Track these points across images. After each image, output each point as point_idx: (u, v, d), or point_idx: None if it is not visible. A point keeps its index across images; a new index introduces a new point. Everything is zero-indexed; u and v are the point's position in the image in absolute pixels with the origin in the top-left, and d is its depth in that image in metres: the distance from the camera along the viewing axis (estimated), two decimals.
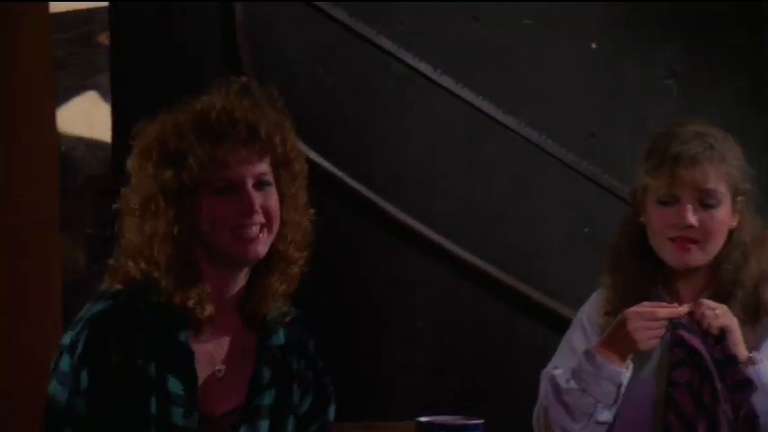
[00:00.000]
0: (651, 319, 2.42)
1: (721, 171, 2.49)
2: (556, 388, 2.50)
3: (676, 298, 2.56)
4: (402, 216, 3.68)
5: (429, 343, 3.70)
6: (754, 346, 2.48)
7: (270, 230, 2.15)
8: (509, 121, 3.81)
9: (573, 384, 2.48)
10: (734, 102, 3.94)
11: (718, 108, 3.91)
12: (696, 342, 2.38)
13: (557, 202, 3.86)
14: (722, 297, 2.50)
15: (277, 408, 2.20)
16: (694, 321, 2.41)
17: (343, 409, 3.42)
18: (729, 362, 2.38)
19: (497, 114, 3.79)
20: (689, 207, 2.48)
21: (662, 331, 2.42)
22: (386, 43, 3.71)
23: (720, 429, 2.34)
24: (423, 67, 3.74)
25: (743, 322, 2.46)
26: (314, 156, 3.44)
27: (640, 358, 2.49)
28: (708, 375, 2.37)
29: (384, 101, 3.73)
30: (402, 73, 3.74)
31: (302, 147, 3.50)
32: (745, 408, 2.36)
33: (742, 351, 2.42)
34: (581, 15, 3.88)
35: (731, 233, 2.54)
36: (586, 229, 3.85)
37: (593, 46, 3.88)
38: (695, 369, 2.38)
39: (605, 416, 2.46)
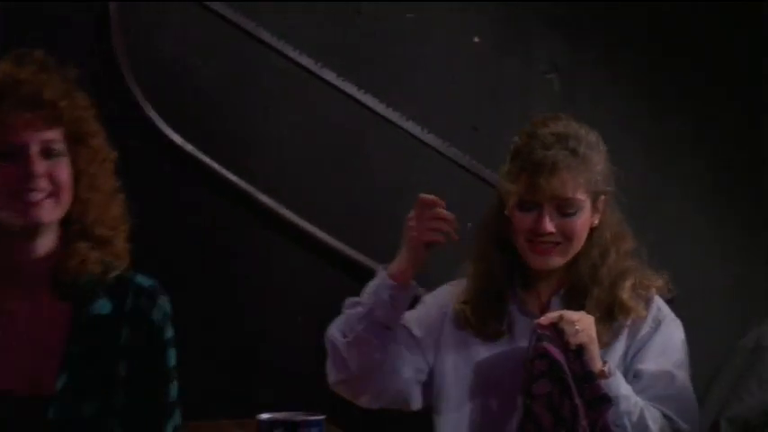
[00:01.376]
0: (431, 207, 2.42)
1: (581, 179, 2.46)
2: (346, 304, 2.54)
3: (535, 295, 2.55)
4: (282, 210, 3.65)
5: (310, 338, 3.64)
6: (606, 343, 2.47)
7: (57, 199, 2.08)
8: (391, 114, 3.78)
9: (357, 298, 2.50)
10: (615, 96, 3.95)
11: (600, 102, 3.93)
12: (559, 356, 2.36)
13: (439, 196, 3.82)
14: (579, 294, 2.50)
15: (94, 382, 2.09)
16: (557, 333, 2.38)
17: (221, 405, 3.40)
18: (588, 377, 2.36)
19: (380, 108, 3.76)
20: (547, 216, 2.45)
21: (442, 226, 2.42)
22: (266, 36, 3.67)
23: None
24: (304, 60, 3.71)
25: (598, 320, 2.44)
26: (190, 149, 3.39)
27: (502, 370, 2.47)
28: (568, 390, 2.34)
29: (264, 94, 3.69)
30: (283, 66, 3.69)
31: (178, 139, 3.54)
32: (602, 423, 2.34)
33: (597, 364, 2.39)
34: (464, 9, 3.87)
35: (592, 231, 2.53)
36: (469, 224, 3.82)
37: (476, 40, 3.87)
38: (555, 382, 2.35)
39: (374, 329, 2.46)
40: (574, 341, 2.36)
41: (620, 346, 2.51)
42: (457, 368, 2.54)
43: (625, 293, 2.50)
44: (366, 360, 2.50)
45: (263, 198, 3.65)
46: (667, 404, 2.44)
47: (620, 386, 2.39)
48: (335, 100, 3.74)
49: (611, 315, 2.49)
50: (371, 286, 2.49)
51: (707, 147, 3.95)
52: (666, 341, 2.52)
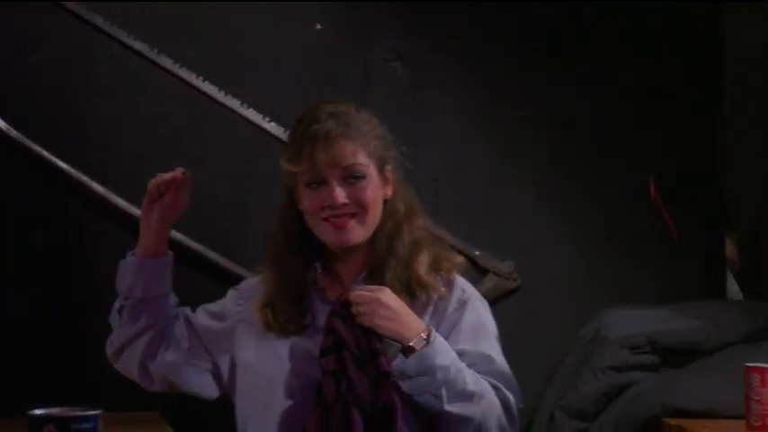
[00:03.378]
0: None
1: (359, 144, 2.46)
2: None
3: (337, 280, 2.53)
4: (114, 198, 3.58)
5: None
6: None
7: None
8: (231, 102, 3.72)
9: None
10: (460, 83, 3.94)
11: (444, 90, 3.93)
12: (344, 332, 2.36)
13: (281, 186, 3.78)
14: (379, 270, 2.48)
15: None
16: (350, 311, 2.38)
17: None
18: (373, 354, 2.35)
19: (219, 96, 3.69)
20: (335, 186, 2.44)
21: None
22: (100, 21, 3.57)
23: (352, 420, 2.32)
24: (138, 45, 3.62)
25: (399, 295, 2.43)
26: (15, 134, 3.30)
27: (305, 361, 2.46)
28: (345, 366, 2.35)
29: (98, 81, 3.60)
30: (118, 52, 3.60)
31: (2, 125, 3.44)
32: (385, 399, 2.33)
33: (405, 338, 2.37)
34: None
35: (386, 204, 2.52)
36: None
37: (318, 27, 3.82)
38: (339, 358, 2.36)
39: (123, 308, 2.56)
40: (359, 321, 2.37)
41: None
42: (260, 363, 2.51)
43: (422, 269, 2.48)
44: (123, 336, 2.60)
45: (96, 186, 3.56)
46: (492, 378, 2.44)
47: (436, 357, 2.37)
48: (173, 87, 3.67)
49: (410, 291, 2.47)
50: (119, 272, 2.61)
51: (550, 134, 3.96)
52: (476, 321, 2.51)
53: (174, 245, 3.64)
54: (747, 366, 2.71)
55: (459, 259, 2.58)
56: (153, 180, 2.56)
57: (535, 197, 3.96)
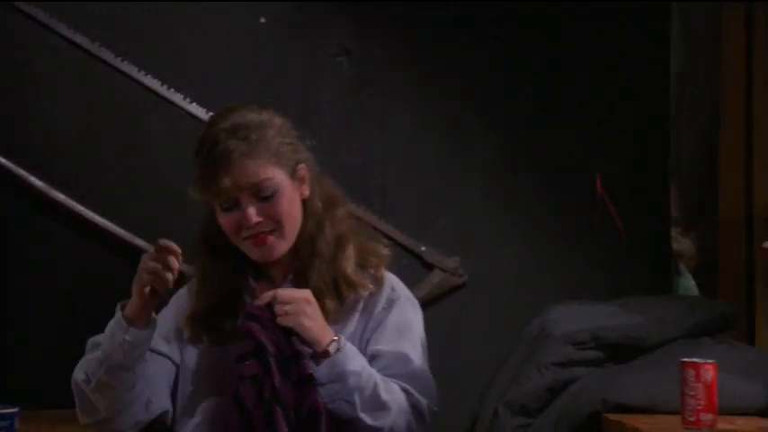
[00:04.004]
0: (167, 254, 2.32)
1: (262, 159, 2.39)
2: (89, 343, 2.42)
3: (269, 282, 2.49)
4: (53, 192, 3.54)
5: (83, 322, 3.53)
6: (337, 320, 2.43)
7: None
8: (174, 96, 3.69)
9: (98, 339, 2.39)
10: (407, 80, 3.93)
11: (391, 86, 3.91)
12: (263, 336, 2.32)
13: None
14: (305, 270, 2.45)
15: None
16: (271, 314, 2.34)
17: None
18: (296, 357, 2.32)
19: (162, 90, 3.66)
20: (248, 208, 2.39)
21: (164, 277, 2.31)
22: (38, 13, 3.53)
23: (278, 424, 2.29)
24: (79, 39, 3.58)
25: (327, 296, 2.41)
26: None
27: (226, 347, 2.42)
28: (269, 370, 2.31)
29: (36, 74, 3.56)
30: (57, 45, 3.57)
31: None
32: (309, 403, 2.31)
33: (318, 344, 2.34)
34: None
35: (305, 203, 2.48)
36: None
37: (262, 20, 3.80)
38: (261, 363, 2.32)
39: (115, 376, 2.36)
40: (281, 322, 2.33)
41: (353, 324, 2.47)
42: (197, 372, 2.48)
43: (348, 266, 2.45)
44: (113, 402, 2.40)
45: (34, 180, 3.52)
46: (405, 381, 2.41)
47: (347, 362, 2.34)
48: (115, 81, 3.63)
49: (338, 291, 2.44)
50: (109, 327, 2.38)
51: (497, 131, 3.95)
52: (401, 322, 2.47)
53: (117, 240, 3.63)
54: (683, 361, 2.71)
55: (386, 251, 2.54)
56: (171, 260, 2.33)
57: (482, 193, 3.95)
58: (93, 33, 3.63)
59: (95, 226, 3.60)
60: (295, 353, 2.31)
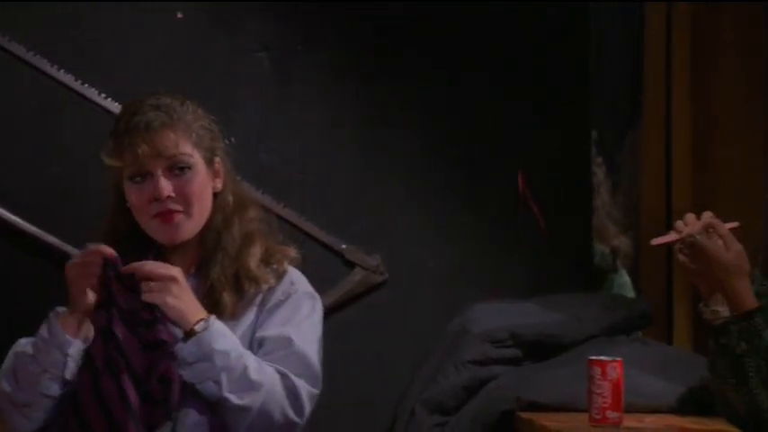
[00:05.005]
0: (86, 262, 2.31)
1: (183, 135, 2.40)
2: (14, 353, 2.36)
3: None
4: None
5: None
6: (235, 314, 2.41)
7: None
8: (87, 91, 3.64)
9: (29, 349, 2.34)
10: (327, 77, 3.89)
11: (311, 83, 3.87)
12: (115, 286, 2.29)
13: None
14: (208, 263, 2.43)
15: None
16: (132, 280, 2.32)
17: None
18: (151, 322, 2.30)
19: (75, 85, 3.62)
20: (161, 178, 2.37)
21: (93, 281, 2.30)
22: None
23: (124, 388, 2.25)
24: None
25: (226, 289, 2.40)
26: None
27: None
28: (112, 321, 2.28)
29: None
30: None
31: None
32: (161, 370, 2.28)
33: (184, 323, 2.31)
34: None
35: (216, 197, 2.47)
36: None
37: (179, 15, 3.76)
38: (108, 315, 2.29)
39: (53, 389, 2.32)
40: (146, 298, 2.31)
41: (250, 317, 2.45)
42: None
43: (252, 262, 2.44)
44: (45, 411, 2.36)
45: None
46: (284, 364, 2.38)
47: (213, 341, 2.31)
48: (26, 75, 3.58)
49: (238, 285, 2.43)
50: (43, 339, 2.33)
51: (418, 128, 3.93)
52: (292, 313, 2.45)
53: (30, 238, 3.58)
54: (590, 359, 2.71)
55: (294, 253, 2.52)
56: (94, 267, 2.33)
57: (403, 191, 3.93)
58: (4, 28, 3.57)
59: (12, 227, 3.56)
60: (152, 318, 2.29)
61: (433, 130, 3.94)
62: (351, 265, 3.87)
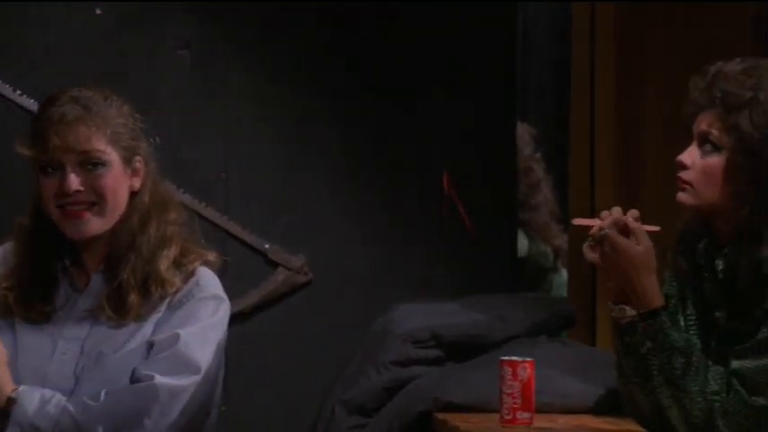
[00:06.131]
0: None
1: (98, 130, 2.40)
2: None
3: (82, 269, 2.47)
4: None
5: None
6: (140, 315, 2.41)
7: None
8: (4, 89, 3.60)
9: None
10: (250, 75, 3.85)
11: (233, 80, 3.83)
12: None
13: None
14: (118, 263, 2.42)
15: None
16: None
17: None
18: None
19: None
20: (69, 172, 2.37)
21: None
22: None
23: None
24: None
25: (134, 290, 2.39)
26: None
27: (50, 349, 2.42)
28: None
29: None
30: None
31: None
32: None
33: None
34: None
35: (133, 196, 2.46)
36: None
37: (98, 12, 3.71)
38: None
39: None
40: None
41: (154, 319, 2.44)
42: (8, 354, 2.41)
43: (163, 264, 2.43)
44: None
45: None
46: (159, 365, 2.35)
47: (27, 410, 2.30)
48: None
49: (146, 287, 2.42)
50: None
51: (343, 127, 3.90)
52: (189, 315, 2.44)
53: None
54: (501, 360, 2.70)
55: (211, 256, 2.52)
56: None
57: (328, 191, 3.90)
58: None
59: None
60: None
61: (359, 129, 3.91)
62: (274, 265, 3.84)
